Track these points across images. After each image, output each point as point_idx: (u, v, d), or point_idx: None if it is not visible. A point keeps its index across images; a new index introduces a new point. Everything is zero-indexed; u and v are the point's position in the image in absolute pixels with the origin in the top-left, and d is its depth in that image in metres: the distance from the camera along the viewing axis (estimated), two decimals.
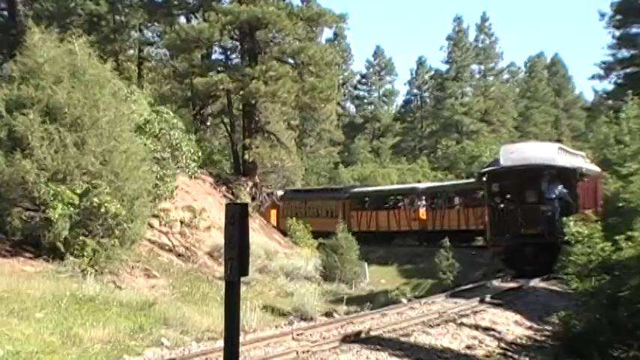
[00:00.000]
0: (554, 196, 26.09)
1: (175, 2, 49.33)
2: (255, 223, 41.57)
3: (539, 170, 26.60)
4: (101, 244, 21.79)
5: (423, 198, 52.19)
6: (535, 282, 26.20)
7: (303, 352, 14.44)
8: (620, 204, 18.61)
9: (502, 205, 27.15)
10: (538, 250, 25.91)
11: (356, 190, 57.27)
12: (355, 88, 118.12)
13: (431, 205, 51.12)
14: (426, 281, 37.21)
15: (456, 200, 50.80)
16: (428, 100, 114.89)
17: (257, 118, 47.59)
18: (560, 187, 26.26)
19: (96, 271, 21.17)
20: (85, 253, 21.34)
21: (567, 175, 26.65)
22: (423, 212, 50.69)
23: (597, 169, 30.26)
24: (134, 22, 52.42)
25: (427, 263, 40.14)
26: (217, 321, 18.18)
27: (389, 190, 57.89)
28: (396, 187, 61.37)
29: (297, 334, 16.98)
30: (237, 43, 49.09)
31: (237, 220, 6.74)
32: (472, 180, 50.93)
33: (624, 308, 14.15)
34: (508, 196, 27.25)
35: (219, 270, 28.19)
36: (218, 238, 30.21)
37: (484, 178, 28.36)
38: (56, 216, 20.70)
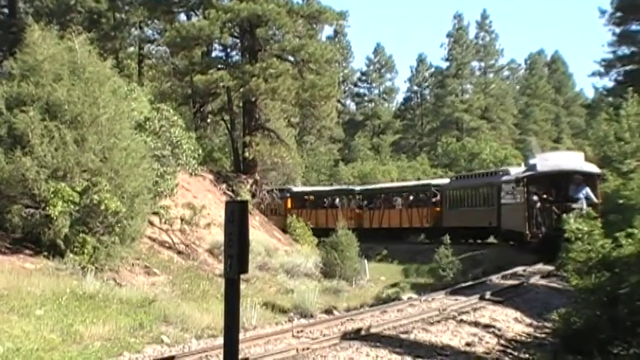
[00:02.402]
0: (581, 195, 30.51)
1: (175, 0, 49.31)
2: (255, 221, 41.56)
3: (569, 175, 31.75)
4: (101, 241, 21.82)
5: (359, 198, 57.56)
6: (535, 279, 26.36)
7: (303, 349, 14.46)
8: (621, 201, 18.61)
9: (539, 204, 32.05)
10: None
11: (296, 189, 59.37)
12: (355, 85, 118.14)
13: (368, 205, 56.47)
14: (426, 278, 37.24)
15: (399, 201, 56.18)
16: (428, 97, 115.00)
17: (257, 116, 47.57)
18: (586, 188, 30.81)
19: (96, 268, 21.21)
20: (86, 251, 21.38)
21: (592, 179, 31.57)
22: (358, 211, 55.20)
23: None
24: (134, 19, 52.30)
25: (427, 260, 40.20)
26: (217, 318, 18.20)
27: (327, 191, 62.80)
28: (334, 187, 65.44)
29: (297, 332, 17.01)
30: (237, 41, 49.01)
31: (236, 218, 6.75)
32: (417, 183, 61.41)
33: (624, 305, 14.13)
34: (544, 196, 32.22)
35: (220, 267, 28.21)
36: (218, 235, 30.22)
37: (523, 182, 33.21)
38: (56, 213, 20.71)
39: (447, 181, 55.68)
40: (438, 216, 51.53)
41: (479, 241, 46.80)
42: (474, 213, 46.82)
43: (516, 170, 43.04)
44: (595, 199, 30.10)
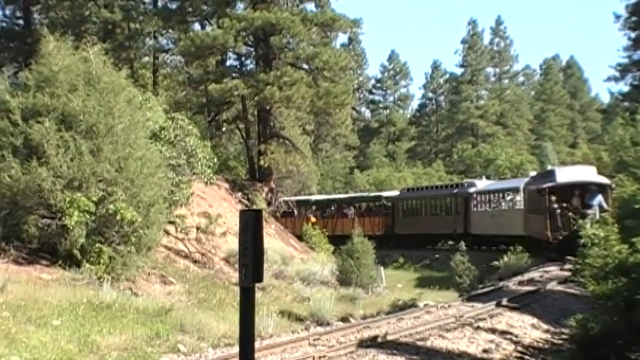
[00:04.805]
0: (595, 203, 33.90)
1: (189, 9, 49.43)
2: (271, 229, 41.59)
3: (584, 185, 35.55)
4: (117, 251, 21.84)
5: (314, 208, 62.67)
6: (552, 285, 26.33)
7: (320, 357, 14.44)
8: (637, 206, 18.51)
9: (559, 210, 35.18)
10: None
11: None
12: (370, 92, 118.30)
13: (322, 214, 61.26)
14: (443, 285, 37.21)
15: (352, 210, 62.56)
16: (443, 103, 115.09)
17: (272, 124, 47.67)
18: (599, 196, 34.25)
19: (112, 278, 21.22)
20: (102, 261, 21.40)
21: (604, 189, 35.03)
22: (313, 220, 58.00)
23: None
24: (149, 29, 52.36)
25: (444, 267, 40.21)
26: (234, 327, 18.12)
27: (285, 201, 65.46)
28: (291, 198, 67.26)
29: (314, 340, 16.99)
30: (252, 49, 49.16)
31: (251, 227, 6.75)
32: (368, 194, 67.64)
33: None
34: (563, 204, 35.23)
35: (236, 276, 28.11)
36: (234, 243, 30.13)
37: (545, 191, 36.51)
38: (72, 223, 20.74)
39: (397, 192, 63.18)
40: (390, 224, 57.69)
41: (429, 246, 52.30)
42: (433, 221, 54.18)
43: (484, 183, 53.39)
44: (607, 207, 32.78)
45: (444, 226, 52.66)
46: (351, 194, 72.01)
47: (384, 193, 64.22)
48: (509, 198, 46.79)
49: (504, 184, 51.48)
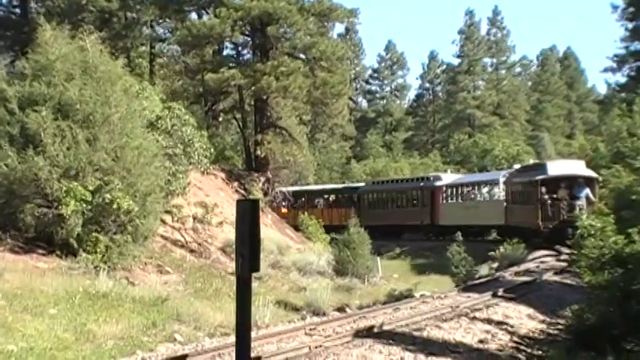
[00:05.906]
0: (582, 195, 36.37)
1: None
2: (267, 219, 41.59)
3: (574, 178, 37.74)
4: (114, 240, 21.84)
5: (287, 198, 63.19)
6: (548, 275, 26.40)
7: (316, 346, 14.45)
8: (633, 197, 18.52)
9: (549, 201, 37.50)
10: (574, 230, 29.92)
11: None
12: (367, 82, 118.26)
13: (293, 205, 61.86)
14: (438, 275, 37.25)
15: (321, 201, 66.06)
16: (440, 94, 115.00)
17: (269, 114, 47.54)
18: (587, 189, 36.61)
19: (109, 267, 21.23)
20: (98, 250, 21.40)
21: (591, 182, 37.21)
22: (284, 211, 59.03)
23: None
24: (145, 18, 52.24)
25: (439, 257, 40.28)
26: (230, 316, 18.17)
27: None
28: None
29: (310, 329, 17.02)
30: (249, 39, 49.06)
31: (248, 217, 6.73)
32: (335, 186, 72.05)
33: (637, 301, 14.11)
34: (554, 195, 37.58)
35: (232, 265, 28.00)
36: (231, 233, 30.09)
37: (537, 183, 38.54)
38: (69, 212, 20.75)
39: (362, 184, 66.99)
40: (356, 215, 57.13)
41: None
42: (400, 213, 57.77)
43: (451, 176, 56.95)
44: (593, 198, 35.33)
45: (410, 218, 56.20)
46: (320, 186, 73.88)
47: (351, 185, 67.80)
48: (485, 190, 50.06)
49: (478, 177, 56.29)
